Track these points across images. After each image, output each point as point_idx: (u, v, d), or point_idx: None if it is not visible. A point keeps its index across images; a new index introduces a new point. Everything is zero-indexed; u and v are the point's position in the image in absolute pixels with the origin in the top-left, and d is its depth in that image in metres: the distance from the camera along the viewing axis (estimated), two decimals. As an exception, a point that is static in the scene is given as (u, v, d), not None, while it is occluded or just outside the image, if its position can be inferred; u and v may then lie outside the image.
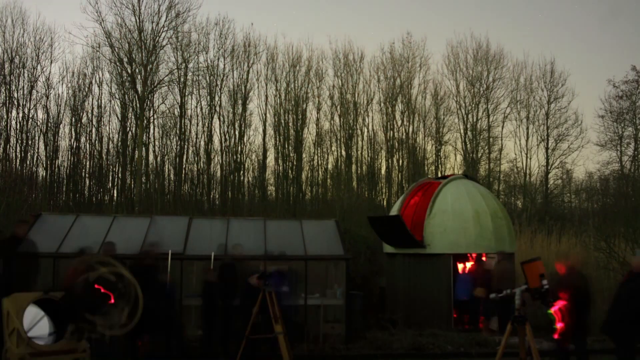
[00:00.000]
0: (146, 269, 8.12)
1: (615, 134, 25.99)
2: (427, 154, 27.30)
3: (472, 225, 11.72)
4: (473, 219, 11.75)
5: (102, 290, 6.37)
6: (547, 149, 27.13)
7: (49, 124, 23.76)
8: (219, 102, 25.31)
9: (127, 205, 22.26)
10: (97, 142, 24.58)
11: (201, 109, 25.21)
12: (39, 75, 23.88)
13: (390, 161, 26.38)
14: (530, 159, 27.43)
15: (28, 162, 23.34)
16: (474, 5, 48.02)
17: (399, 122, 26.90)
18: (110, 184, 24.81)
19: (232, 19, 41.78)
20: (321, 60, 26.94)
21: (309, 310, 10.11)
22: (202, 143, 24.94)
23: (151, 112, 24.48)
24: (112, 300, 6.32)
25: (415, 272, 12.22)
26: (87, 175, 24.59)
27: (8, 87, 23.03)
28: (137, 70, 23.03)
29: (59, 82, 26.87)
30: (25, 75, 23.61)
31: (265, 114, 25.97)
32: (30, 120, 23.55)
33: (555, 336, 7.11)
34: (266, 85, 26.14)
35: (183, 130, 24.72)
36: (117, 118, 24.76)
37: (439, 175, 23.94)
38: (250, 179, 25.70)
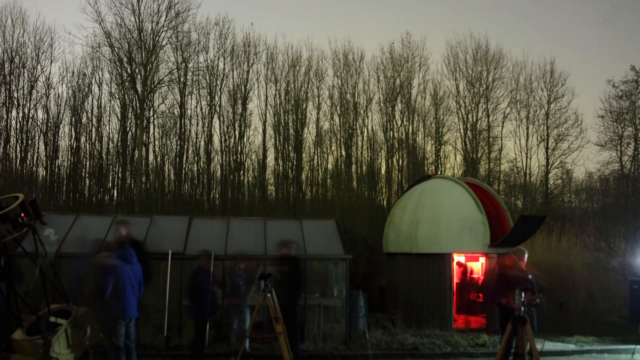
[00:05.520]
0: None
1: (615, 134, 25.94)
2: (427, 154, 27.27)
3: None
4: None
5: None
6: (547, 149, 27.08)
7: (49, 124, 23.75)
8: (218, 102, 25.30)
9: (127, 205, 22.25)
10: (97, 142, 24.55)
11: (201, 109, 25.21)
12: (39, 75, 23.86)
13: (390, 161, 26.36)
14: (530, 159, 27.40)
15: (28, 162, 23.31)
16: (473, 5, 48.02)
17: (399, 122, 26.89)
18: (110, 184, 24.79)
19: (232, 18, 41.62)
20: (321, 60, 26.89)
21: (309, 310, 10.11)
22: (202, 143, 24.92)
23: (151, 112, 24.46)
24: None
25: (415, 272, 12.22)
26: (87, 175, 24.57)
27: (8, 87, 23.00)
28: (137, 70, 23.01)
29: (59, 82, 26.77)
30: (25, 75, 23.60)
31: (265, 114, 25.97)
32: (30, 120, 23.52)
33: None
34: (266, 85, 26.14)
35: (183, 130, 24.70)
36: (117, 118, 24.75)
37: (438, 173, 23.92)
38: (250, 179, 25.68)
